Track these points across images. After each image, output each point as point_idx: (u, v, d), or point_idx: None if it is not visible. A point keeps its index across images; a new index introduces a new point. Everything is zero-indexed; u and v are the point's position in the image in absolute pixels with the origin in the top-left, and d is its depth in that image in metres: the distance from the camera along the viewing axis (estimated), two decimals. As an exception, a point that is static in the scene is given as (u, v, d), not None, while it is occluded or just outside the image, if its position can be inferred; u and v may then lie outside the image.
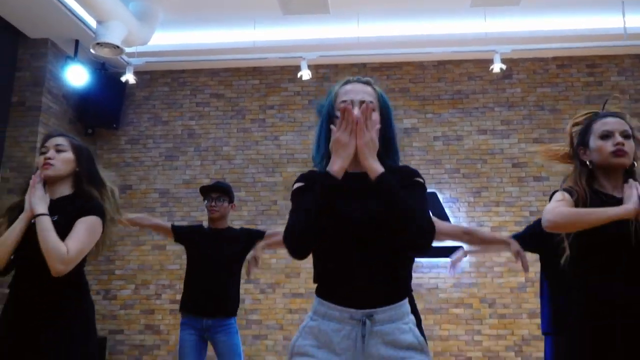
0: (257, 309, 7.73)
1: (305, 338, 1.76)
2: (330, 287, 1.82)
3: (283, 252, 7.76)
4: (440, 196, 7.86)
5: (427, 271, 7.65)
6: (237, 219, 7.98)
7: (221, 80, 8.66)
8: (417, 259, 6.78)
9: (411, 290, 2.07)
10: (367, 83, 1.99)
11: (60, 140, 2.73)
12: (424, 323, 8.17)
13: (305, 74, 7.52)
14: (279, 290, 7.80)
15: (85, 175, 2.63)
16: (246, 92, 8.58)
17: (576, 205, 2.13)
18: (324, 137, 1.94)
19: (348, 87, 1.97)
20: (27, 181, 2.83)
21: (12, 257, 2.49)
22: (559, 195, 2.17)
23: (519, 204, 7.82)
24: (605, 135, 2.26)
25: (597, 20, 7.34)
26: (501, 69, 7.33)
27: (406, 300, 1.83)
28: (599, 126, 2.27)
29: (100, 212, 2.56)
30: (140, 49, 7.53)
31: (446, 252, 7.42)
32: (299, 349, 1.74)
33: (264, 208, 8.13)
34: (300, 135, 8.36)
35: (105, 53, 6.43)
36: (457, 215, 7.81)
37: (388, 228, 1.77)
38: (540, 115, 8.10)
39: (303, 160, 8.26)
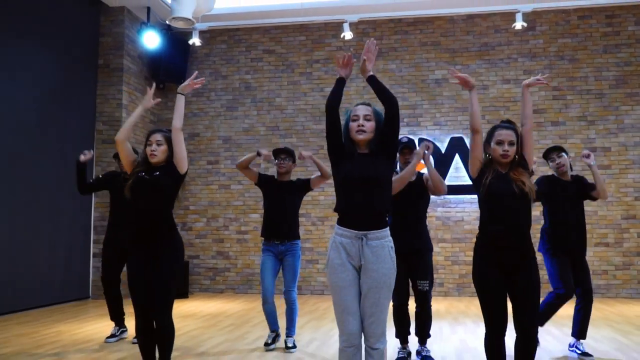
0: (309, 239, 9.18)
1: (333, 249, 3.02)
2: (343, 218, 3.04)
3: (329, 190, 9.13)
4: (467, 140, 8.95)
5: (454, 206, 8.88)
6: (290, 162, 9.33)
7: (272, 38, 9.74)
8: (446, 196, 7.88)
9: (387, 225, 3.15)
10: (368, 104, 3.12)
11: (159, 136, 3.74)
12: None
13: (348, 35, 8.53)
14: (327, 222, 9.19)
15: (172, 155, 3.78)
16: (294, 48, 9.66)
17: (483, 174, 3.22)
18: (345, 130, 3.09)
19: (357, 107, 3.11)
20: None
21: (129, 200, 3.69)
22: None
23: (537, 146, 8.81)
24: (498, 142, 3.31)
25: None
26: (522, 25, 8.16)
27: (387, 229, 3.03)
28: (496, 135, 3.33)
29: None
30: (203, 14, 8.65)
31: (469, 190, 8.63)
32: (330, 257, 3.03)
33: (313, 152, 9.34)
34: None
35: (180, 25, 7.60)
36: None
37: (377, 184, 2.96)
38: (560, 65, 8.94)
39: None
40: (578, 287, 4.71)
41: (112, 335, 5.40)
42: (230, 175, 9.56)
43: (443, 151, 8.94)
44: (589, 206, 8.56)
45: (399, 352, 4.55)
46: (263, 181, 5.29)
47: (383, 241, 2.93)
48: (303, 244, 9.06)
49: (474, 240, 3.39)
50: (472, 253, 8.14)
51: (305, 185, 5.32)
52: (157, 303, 3.53)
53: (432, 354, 4.61)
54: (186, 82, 3.81)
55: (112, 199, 5.58)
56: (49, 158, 7.73)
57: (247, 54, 9.81)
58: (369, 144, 3.05)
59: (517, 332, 3.16)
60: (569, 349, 4.83)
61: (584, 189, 4.90)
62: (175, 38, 9.44)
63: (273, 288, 5.10)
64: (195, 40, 8.82)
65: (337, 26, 9.35)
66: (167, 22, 7.78)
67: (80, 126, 8.42)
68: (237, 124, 9.68)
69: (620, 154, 8.68)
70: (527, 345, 3.15)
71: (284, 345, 5.03)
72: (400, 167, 4.63)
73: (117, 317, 5.51)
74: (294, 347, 5.00)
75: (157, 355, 3.67)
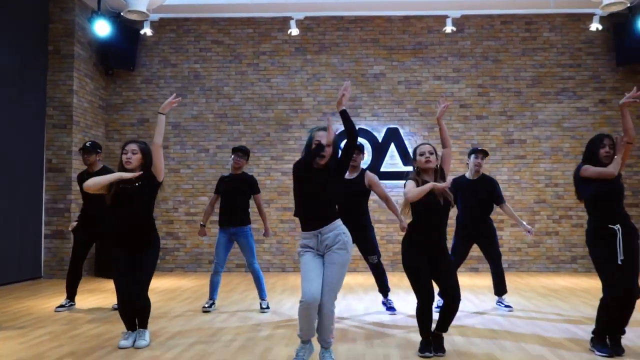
0: (257, 219, 9.75)
1: (300, 245, 3.79)
2: (302, 223, 3.78)
3: (276, 175, 9.77)
4: (401, 131, 9.81)
5: (389, 190, 9.65)
6: (237, 148, 9.87)
7: (220, 29, 10.18)
8: (382, 182, 8.67)
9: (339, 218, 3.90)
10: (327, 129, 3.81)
11: (134, 146, 4.28)
12: (385, 231, 10.35)
13: (295, 31, 9.13)
14: (273, 205, 9.83)
15: (148, 163, 4.32)
16: (242, 40, 10.15)
17: (417, 185, 4.02)
18: (307, 149, 3.77)
19: (319, 133, 3.77)
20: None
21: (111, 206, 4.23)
22: (410, 183, 4.04)
23: (463, 137, 9.82)
24: (421, 154, 4.11)
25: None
26: (452, 29, 9.05)
27: (337, 220, 3.78)
28: (418, 150, 4.14)
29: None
30: (154, 6, 8.98)
31: (402, 176, 9.48)
32: (299, 250, 3.78)
33: (259, 139, 9.97)
34: (288, 78, 10.07)
35: (134, 17, 7.93)
36: (414, 146, 9.79)
37: (327, 196, 3.70)
38: (485, 65, 9.93)
39: (291, 99, 10.03)
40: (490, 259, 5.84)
41: (62, 306, 5.98)
42: (179, 159, 9.98)
43: (380, 140, 9.74)
44: (506, 191, 9.67)
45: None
46: (219, 186, 6.02)
47: (335, 231, 3.72)
48: (251, 225, 9.65)
49: (407, 221, 4.17)
50: (403, 234, 9.12)
51: (253, 185, 6.05)
52: (139, 290, 4.19)
53: (372, 318, 5.43)
54: (165, 102, 4.33)
55: (82, 193, 6.01)
56: (2, 142, 7.90)
57: (196, 43, 10.20)
58: (325, 163, 3.77)
59: (445, 298, 3.98)
60: (496, 304, 6.11)
61: (492, 193, 6.06)
62: (125, 26, 9.69)
63: (224, 263, 5.97)
64: (146, 31, 9.14)
65: (283, 20, 9.91)
66: (122, 14, 8.09)
67: (31, 111, 8.59)
68: (187, 111, 10.09)
69: (534, 145, 9.80)
70: (454, 306, 4.00)
71: (259, 308, 5.93)
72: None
73: (72, 292, 6.02)
74: (268, 308, 5.92)
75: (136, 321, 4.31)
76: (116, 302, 5.72)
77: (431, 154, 4.08)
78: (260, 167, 9.88)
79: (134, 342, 4.29)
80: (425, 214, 4.04)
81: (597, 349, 4.08)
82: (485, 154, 6.20)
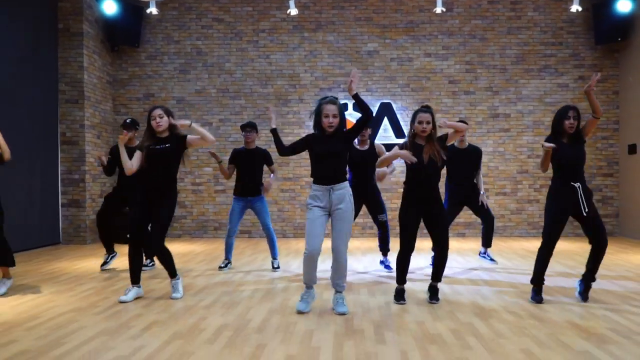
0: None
1: (310, 198, 4.42)
2: (316, 177, 4.41)
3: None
4: (394, 105, 10.43)
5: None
6: (239, 122, 10.45)
7: (220, 7, 10.62)
8: None
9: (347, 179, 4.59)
10: (334, 102, 4.39)
11: (159, 111, 4.84)
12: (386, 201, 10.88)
13: (293, 11, 9.62)
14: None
15: (175, 123, 4.91)
16: (242, 18, 10.61)
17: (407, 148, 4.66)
18: (316, 121, 4.39)
19: (327, 106, 4.36)
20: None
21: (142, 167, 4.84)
22: (396, 147, 4.70)
23: (452, 111, 10.47)
24: (419, 122, 4.73)
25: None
26: (442, 10, 9.60)
27: (346, 182, 4.44)
28: (417, 117, 4.74)
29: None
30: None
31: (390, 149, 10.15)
32: (309, 203, 4.43)
33: (260, 113, 10.54)
34: (286, 54, 10.59)
35: (144, -3, 8.40)
36: (406, 120, 10.44)
37: (339, 157, 4.34)
38: (472, 43, 10.53)
39: (289, 75, 10.58)
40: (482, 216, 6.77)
41: (105, 263, 6.57)
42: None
43: (374, 114, 10.37)
44: (491, 162, 10.40)
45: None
46: (234, 158, 6.57)
47: (343, 191, 4.35)
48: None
49: (399, 190, 4.82)
50: (398, 201, 9.80)
51: (267, 157, 6.70)
52: (155, 236, 4.77)
53: (371, 276, 6.15)
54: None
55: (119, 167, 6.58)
56: (19, 117, 8.41)
57: (198, 21, 10.65)
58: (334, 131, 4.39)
59: (436, 246, 4.67)
60: (479, 256, 6.99)
61: (478, 161, 6.79)
62: (130, 4, 10.11)
63: (237, 228, 6.65)
64: (152, 10, 9.57)
65: (282, -1, 10.40)
66: (132, -6, 8.53)
67: (45, 87, 9.06)
68: (190, 86, 10.60)
69: (518, 119, 10.49)
70: (444, 254, 4.68)
71: (271, 267, 6.66)
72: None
73: (110, 245, 6.62)
74: (279, 267, 6.65)
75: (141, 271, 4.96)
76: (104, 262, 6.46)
77: (428, 123, 4.62)
78: (260, 139, 10.41)
79: (135, 296, 4.86)
80: (411, 172, 4.64)
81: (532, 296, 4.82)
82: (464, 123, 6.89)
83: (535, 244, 9.35)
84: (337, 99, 4.48)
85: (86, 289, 5.42)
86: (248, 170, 6.57)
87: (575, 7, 9.59)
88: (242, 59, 10.61)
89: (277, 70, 10.61)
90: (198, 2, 10.62)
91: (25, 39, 8.58)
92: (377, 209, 6.49)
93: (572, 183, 4.65)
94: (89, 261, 7.37)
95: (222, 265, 6.62)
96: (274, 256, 6.69)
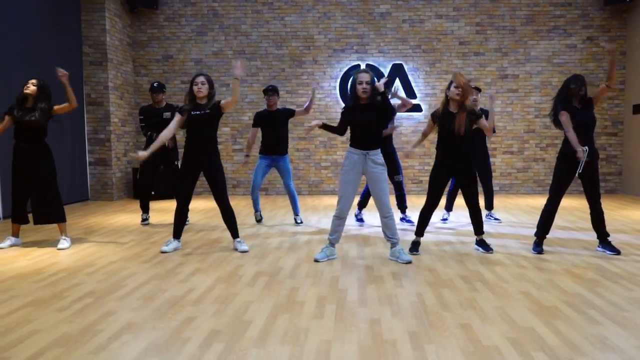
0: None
1: (347, 159, 4.87)
2: (354, 142, 4.85)
3: (291, 107, 10.70)
4: (405, 66, 10.74)
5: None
6: (255, 83, 10.82)
7: (236, -32, 10.83)
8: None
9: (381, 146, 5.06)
10: (367, 72, 4.79)
11: (202, 78, 5.25)
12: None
13: (309, -26, 9.84)
14: (289, 135, 10.84)
15: (213, 92, 5.31)
16: (257, -21, 10.83)
17: (435, 116, 5.12)
18: (352, 93, 4.80)
19: (361, 74, 4.77)
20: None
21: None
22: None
23: (463, 72, 10.75)
24: (456, 87, 5.13)
25: None
26: (455, -28, 9.79)
27: (379, 149, 4.88)
28: (454, 83, 5.12)
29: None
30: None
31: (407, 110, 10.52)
32: (345, 164, 4.88)
33: (275, 74, 10.88)
34: (301, 16, 10.85)
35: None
36: (417, 81, 10.77)
37: (372, 126, 4.78)
38: (482, 4, 10.73)
39: (304, 37, 10.86)
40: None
41: (144, 220, 7.11)
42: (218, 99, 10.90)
43: (386, 75, 10.69)
44: (499, 122, 10.76)
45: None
46: (258, 121, 6.98)
47: (377, 156, 4.83)
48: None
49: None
50: (408, 160, 10.30)
51: (289, 112, 7.09)
52: (221, 194, 5.24)
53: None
54: (237, 69, 5.11)
55: (147, 125, 7.01)
56: (45, 79, 8.78)
57: (214, -17, 10.88)
58: (368, 98, 4.78)
59: (469, 205, 5.19)
60: (485, 218, 7.26)
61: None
62: (148, -34, 10.34)
63: (261, 184, 7.16)
64: (171, -28, 9.83)
65: (296, -39, 10.57)
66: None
67: (68, 49, 9.42)
68: (207, 48, 10.92)
69: (526, 80, 10.79)
70: (478, 210, 5.20)
71: (293, 222, 7.18)
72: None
73: (147, 206, 7.16)
74: (302, 222, 7.18)
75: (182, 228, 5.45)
76: (143, 218, 6.97)
77: (368, 82, 4.91)
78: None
79: (174, 249, 5.35)
80: (441, 138, 5.14)
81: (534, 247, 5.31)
82: (478, 90, 7.16)
83: (541, 200, 9.90)
84: (367, 69, 4.90)
85: (127, 241, 5.97)
86: (272, 131, 7.00)
87: (585, -31, 9.74)
88: (258, 21, 10.88)
89: (291, 32, 10.88)
90: (214, -36, 10.81)
91: (48, 3, 8.89)
92: (393, 169, 6.92)
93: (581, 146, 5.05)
94: (121, 216, 7.92)
95: (259, 219, 7.20)
96: (296, 212, 7.19)
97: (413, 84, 10.72)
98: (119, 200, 9.87)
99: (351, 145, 4.88)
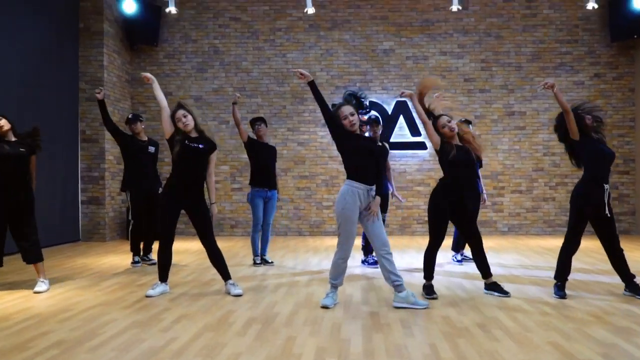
0: (273, 186, 10.52)
1: (350, 195, 4.46)
2: (356, 175, 4.46)
3: (292, 145, 10.46)
4: (409, 104, 10.43)
5: (398, 160, 10.43)
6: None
7: (238, 6, 10.70)
8: (391, 151, 9.12)
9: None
10: (346, 103, 4.43)
11: (182, 111, 4.87)
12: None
13: (310, 10, 9.68)
14: (290, 173, 10.53)
15: (198, 123, 4.99)
16: (259, 17, 10.69)
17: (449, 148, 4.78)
18: (341, 127, 4.45)
19: (341, 109, 4.40)
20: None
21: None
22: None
23: (467, 109, 10.48)
24: (443, 126, 4.84)
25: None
26: (458, 8, 9.63)
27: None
28: (442, 122, 4.87)
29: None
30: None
31: (410, 146, 10.21)
32: (348, 200, 4.46)
33: (276, 111, 10.61)
34: (302, 53, 10.66)
35: (164, -3, 8.49)
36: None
37: (375, 156, 4.42)
38: (487, 41, 10.54)
39: (332, 105, 10.62)
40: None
41: (136, 262, 6.69)
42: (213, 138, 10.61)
43: (390, 112, 10.41)
44: (507, 160, 10.41)
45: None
46: (251, 144, 6.65)
47: (374, 190, 4.45)
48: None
49: (415, 188, 4.90)
50: (413, 199, 9.89)
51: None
52: (209, 233, 4.84)
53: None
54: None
55: (128, 157, 6.69)
56: (41, 114, 8.52)
57: (215, 20, 10.74)
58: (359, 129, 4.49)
59: (471, 242, 4.80)
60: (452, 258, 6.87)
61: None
62: (149, 4, 10.23)
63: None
64: (171, 9, 9.68)
65: (298, -2, 10.46)
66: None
67: (65, 85, 9.18)
68: (207, 85, 10.70)
69: (533, 117, 10.50)
70: (481, 246, 4.82)
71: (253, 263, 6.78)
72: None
73: (139, 249, 6.76)
74: (272, 262, 6.80)
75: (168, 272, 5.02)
76: (136, 258, 6.53)
77: (449, 122, 4.81)
78: (277, 137, 10.54)
79: (161, 292, 4.89)
80: (453, 168, 4.74)
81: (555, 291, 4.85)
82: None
83: (552, 242, 9.44)
84: (348, 98, 4.49)
85: (112, 284, 5.52)
86: (267, 161, 6.68)
87: (591, 5, 9.57)
88: (259, 58, 10.69)
89: (293, 68, 10.65)
90: (215, 2, 10.71)
91: (47, 39, 8.70)
92: (382, 206, 6.50)
93: (602, 183, 4.68)
94: (110, 257, 7.48)
95: (258, 262, 6.73)
96: (264, 252, 6.83)
97: (417, 121, 10.41)
98: (111, 241, 9.45)
99: (352, 178, 4.42)
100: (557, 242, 9.27)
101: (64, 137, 9.12)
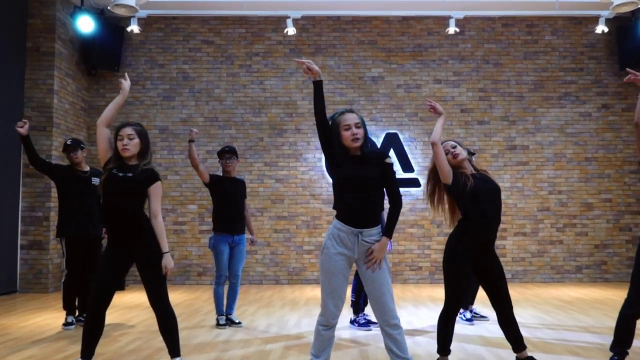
0: (248, 228, 9.27)
1: (330, 239, 3.25)
2: (342, 213, 3.28)
3: (269, 182, 9.29)
4: (400, 136, 9.40)
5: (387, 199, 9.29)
6: (229, 153, 9.36)
7: (211, 28, 9.68)
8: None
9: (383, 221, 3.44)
10: (353, 111, 3.33)
11: (130, 130, 3.63)
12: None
13: (291, 31, 8.70)
14: (266, 213, 9.31)
15: (145, 150, 3.79)
16: (234, 40, 9.67)
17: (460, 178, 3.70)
18: (336, 143, 3.27)
19: (346, 115, 3.30)
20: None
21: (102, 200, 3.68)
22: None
23: (465, 143, 9.36)
24: (446, 153, 3.70)
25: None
26: (455, 30, 8.72)
27: (379, 226, 3.28)
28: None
29: (159, 176, 3.78)
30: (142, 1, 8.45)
31: (401, 183, 9.08)
32: (327, 245, 3.25)
33: (252, 144, 9.47)
34: (282, 80, 9.61)
35: (122, 12, 7.41)
36: (414, 152, 9.40)
37: (376, 186, 3.22)
38: (486, 68, 9.61)
39: (285, 102, 9.57)
40: None
41: (69, 323, 5.36)
42: (167, 165, 9.41)
43: (379, 146, 9.32)
44: (509, 199, 9.32)
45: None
46: (214, 182, 5.50)
47: (375, 237, 3.21)
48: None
49: (407, 230, 3.74)
50: (404, 242, 8.62)
51: (245, 187, 5.84)
52: (156, 293, 3.57)
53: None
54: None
55: (62, 192, 5.51)
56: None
57: (185, 43, 9.69)
58: (360, 148, 3.26)
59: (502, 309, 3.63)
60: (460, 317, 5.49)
61: None
62: (110, 23, 9.16)
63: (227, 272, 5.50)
64: (133, 28, 8.62)
65: (277, 20, 9.47)
66: (109, 8, 7.56)
67: (7, 111, 7.96)
68: (175, 114, 9.55)
69: (537, 152, 9.49)
70: (512, 319, 3.66)
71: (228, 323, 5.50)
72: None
73: (73, 307, 5.46)
74: (240, 322, 5.52)
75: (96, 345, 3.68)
76: (70, 318, 5.27)
77: (454, 147, 3.72)
78: (253, 173, 9.37)
79: None
80: (474, 204, 3.64)
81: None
82: (471, 153, 5.54)
83: (564, 291, 8.25)
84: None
85: (25, 358, 4.18)
86: (233, 200, 5.51)
87: (600, 28, 8.75)
88: (233, 85, 9.61)
89: (271, 97, 9.60)
90: (186, 23, 9.68)
91: (-15, 57, 7.54)
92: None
93: None
94: (44, 316, 6.11)
95: (222, 323, 5.41)
96: (230, 310, 5.55)
97: (410, 156, 9.34)
98: (55, 292, 8.03)
99: (338, 217, 3.26)
100: (571, 292, 8.15)
101: (4, 171, 7.85)
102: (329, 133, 3.26)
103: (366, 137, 3.29)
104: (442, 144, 3.70)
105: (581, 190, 9.44)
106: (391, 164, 3.30)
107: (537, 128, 9.53)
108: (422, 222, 9.23)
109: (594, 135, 9.47)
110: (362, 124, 3.27)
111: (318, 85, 3.30)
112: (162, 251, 3.59)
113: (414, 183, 9.30)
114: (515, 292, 7.94)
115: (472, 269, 3.64)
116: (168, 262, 3.59)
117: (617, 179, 9.43)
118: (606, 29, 8.77)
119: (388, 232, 3.23)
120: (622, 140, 9.46)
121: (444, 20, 9.37)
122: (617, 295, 7.49)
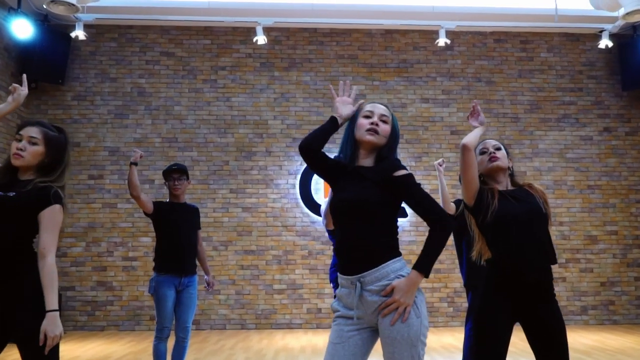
0: (210, 266, 8.01)
1: (336, 302, 2.23)
2: (337, 254, 2.23)
3: (235, 211, 8.11)
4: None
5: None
6: (190, 177, 8.17)
7: (171, 39, 8.61)
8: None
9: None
10: (386, 106, 2.32)
11: (34, 132, 2.61)
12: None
13: (261, 39, 7.67)
14: (231, 247, 8.11)
15: (51, 165, 2.62)
16: (197, 52, 8.60)
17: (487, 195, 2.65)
18: (348, 136, 2.27)
19: (374, 104, 2.34)
20: None
21: None
22: None
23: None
24: (482, 152, 2.78)
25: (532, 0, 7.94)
26: (445, 42, 7.81)
27: (391, 263, 2.17)
28: (480, 146, 2.88)
29: (59, 199, 2.53)
30: (88, 3, 7.35)
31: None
32: (333, 308, 2.23)
33: (216, 168, 8.32)
34: (252, 97, 8.54)
35: (60, 11, 6.30)
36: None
37: (377, 211, 2.17)
38: (477, 87, 8.71)
39: (255, 121, 8.48)
40: None
41: None
42: (117, 192, 8.17)
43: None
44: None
45: None
46: (158, 210, 4.34)
47: (384, 281, 2.10)
48: (202, 272, 7.93)
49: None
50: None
51: (198, 215, 4.70)
52: None
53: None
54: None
55: None
56: None
57: (142, 55, 8.57)
58: (375, 151, 2.26)
59: None
60: None
61: None
62: (54, 30, 8.02)
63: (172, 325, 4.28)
64: (78, 34, 7.48)
65: (246, 31, 8.46)
66: (45, 5, 6.43)
67: None
68: (127, 134, 8.36)
69: (535, 178, 8.53)
70: None
71: None
72: None
73: None
74: None
75: None
76: None
77: (498, 149, 2.80)
78: (216, 201, 8.19)
79: None
80: (497, 242, 2.61)
81: None
82: None
83: (574, 337, 6.92)
84: None
85: None
86: (184, 230, 4.34)
87: (604, 42, 7.95)
88: (196, 102, 8.49)
89: (239, 115, 8.50)
90: (143, 33, 8.59)
91: None
92: None
93: None
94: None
95: None
96: None
97: (395, 182, 8.29)
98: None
99: (339, 270, 2.25)
100: (581, 338, 6.79)
101: None
102: (321, 162, 2.35)
103: (391, 144, 2.27)
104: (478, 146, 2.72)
105: (584, 221, 8.49)
106: (405, 177, 2.20)
107: (535, 152, 8.61)
108: (408, 256, 8.08)
109: (597, 161, 8.59)
110: (391, 121, 2.30)
111: (335, 125, 2.39)
112: (47, 308, 2.37)
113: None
114: (517, 337, 6.84)
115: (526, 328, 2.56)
116: (51, 325, 2.34)
117: (622, 209, 8.52)
118: (610, 44, 7.99)
119: (422, 265, 2.11)
120: (627, 167, 8.59)
121: (430, 34, 8.48)
122: (636, 342, 6.45)
